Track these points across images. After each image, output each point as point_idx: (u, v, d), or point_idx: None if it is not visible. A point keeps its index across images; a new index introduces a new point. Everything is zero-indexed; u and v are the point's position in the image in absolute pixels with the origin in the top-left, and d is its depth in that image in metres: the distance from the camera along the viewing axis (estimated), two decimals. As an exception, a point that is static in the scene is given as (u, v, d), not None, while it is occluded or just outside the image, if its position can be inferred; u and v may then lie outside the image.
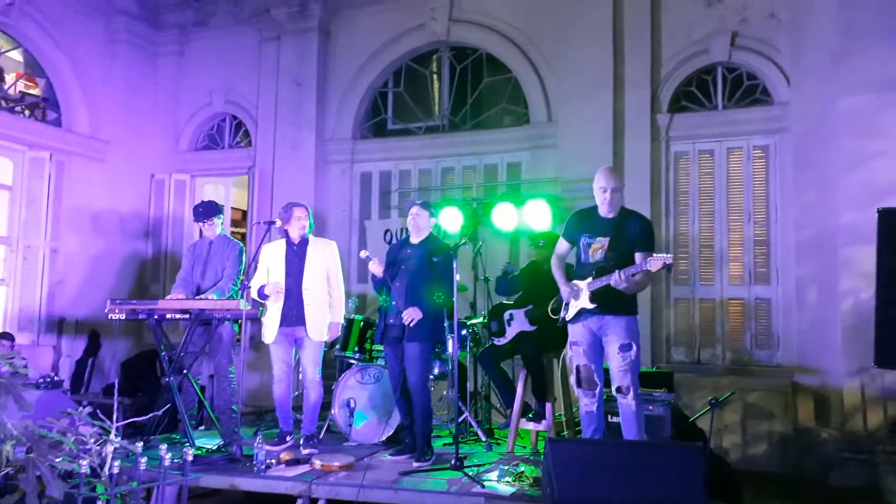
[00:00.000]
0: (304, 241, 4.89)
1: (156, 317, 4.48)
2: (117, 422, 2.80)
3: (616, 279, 3.71)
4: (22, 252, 7.29)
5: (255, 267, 4.93)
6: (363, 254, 4.74)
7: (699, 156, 7.02)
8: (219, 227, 5.11)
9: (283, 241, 4.90)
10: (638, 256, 3.79)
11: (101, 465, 2.73)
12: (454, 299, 4.44)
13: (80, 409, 2.80)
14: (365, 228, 8.01)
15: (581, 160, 6.95)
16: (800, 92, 6.52)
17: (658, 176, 6.98)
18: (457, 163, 7.85)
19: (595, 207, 4.10)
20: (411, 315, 4.40)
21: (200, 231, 5.45)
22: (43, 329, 7.38)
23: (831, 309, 6.11)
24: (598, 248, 3.95)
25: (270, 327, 4.78)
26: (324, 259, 4.92)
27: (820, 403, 6.19)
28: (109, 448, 2.71)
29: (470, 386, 5.55)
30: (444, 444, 4.84)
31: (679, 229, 7.03)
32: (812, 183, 6.37)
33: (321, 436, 5.06)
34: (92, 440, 2.74)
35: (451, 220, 6.64)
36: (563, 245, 4.21)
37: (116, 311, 4.43)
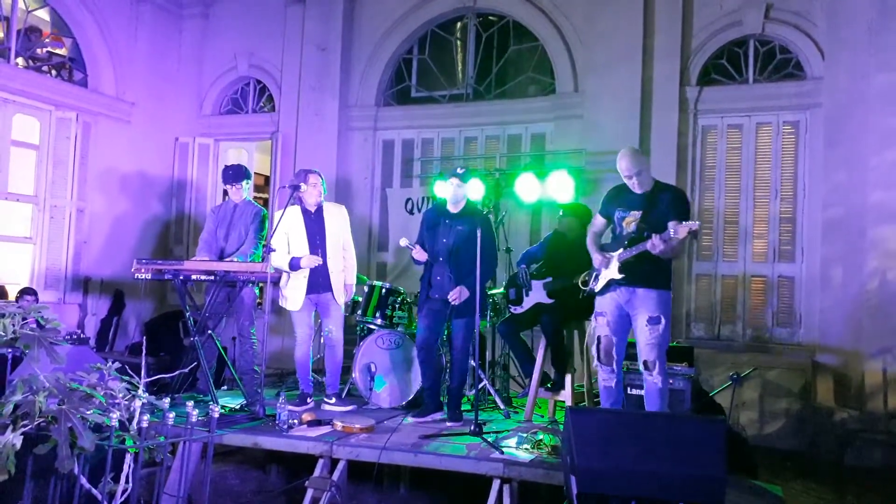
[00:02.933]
0: (319, 208, 4.91)
1: (181, 277, 4.52)
2: (144, 379, 2.84)
3: (652, 243, 3.69)
4: (49, 211, 7.38)
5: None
6: (403, 242, 4.71)
7: (727, 130, 6.91)
8: (245, 191, 5.14)
9: (297, 207, 4.88)
10: (671, 224, 3.75)
11: (130, 420, 2.79)
12: (477, 271, 4.43)
13: (109, 364, 2.85)
14: (386, 196, 8.02)
15: (607, 132, 6.89)
16: (834, 67, 6.37)
17: (685, 149, 6.89)
18: (480, 132, 7.79)
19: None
20: (458, 294, 4.47)
21: (225, 193, 5.48)
22: (69, 287, 7.49)
23: (856, 289, 6.05)
24: (631, 220, 3.94)
25: (296, 295, 4.81)
26: (338, 224, 4.97)
27: (839, 383, 6.17)
28: (137, 403, 2.77)
29: (489, 355, 5.58)
30: (463, 411, 4.89)
31: (704, 204, 6.95)
32: (842, 160, 6.26)
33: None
34: (120, 395, 2.79)
35: (473, 191, 6.61)
36: (598, 221, 4.21)
37: (143, 270, 4.47)
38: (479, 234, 4.33)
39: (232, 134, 8.66)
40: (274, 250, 4.46)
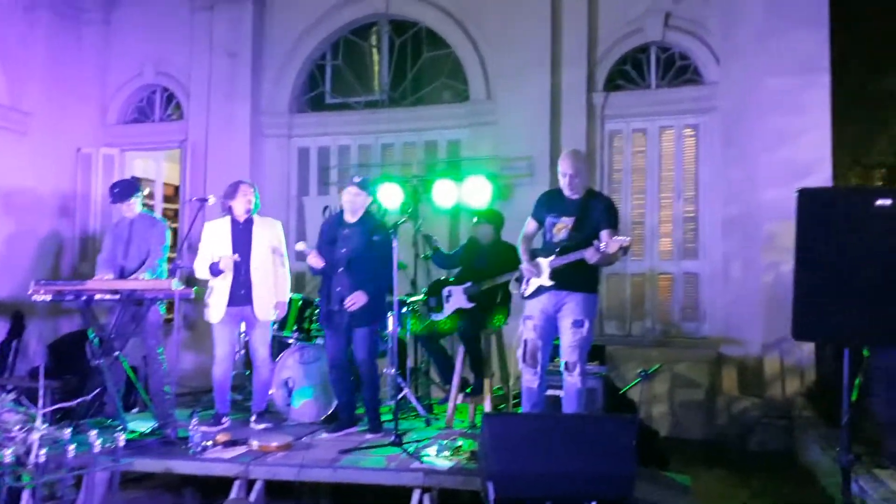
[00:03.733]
0: (248, 220, 4.85)
1: (84, 298, 4.32)
2: (44, 407, 2.70)
3: (591, 253, 3.75)
4: (-64, 230, 6.91)
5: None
6: (300, 246, 4.69)
7: (633, 134, 7.18)
8: (138, 205, 4.94)
9: (227, 218, 4.83)
10: (604, 234, 3.83)
11: (27, 453, 2.65)
12: (394, 277, 4.45)
13: (3, 395, 2.71)
14: (303, 205, 7.91)
15: (519, 138, 7.04)
16: (728, 72, 6.72)
17: (593, 154, 7.09)
18: (397, 139, 7.80)
19: (561, 189, 4.16)
20: (355, 300, 4.44)
21: None
22: (-39, 311, 7.04)
23: (754, 282, 6.39)
24: (562, 227, 4.00)
25: (217, 306, 4.73)
26: (269, 238, 4.89)
27: (742, 373, 6.49)
28: (35, 435, 2.63)
29: (410, 362, 5.60)
30: (384, 421, 4.89)
31: (613, 206, 7.17)
32: (738, 161, 6.61)
33: (260, 416, 5.04)
34: (16, 427, 2.65)
35: (390, 197, 6.63)
36: (531, 225, 4.25)
37: (41, 291, 4.25)
38: (385, 241, 4.36)
39: (139, 143, 8.35)
40: (182, 267, 4.34)
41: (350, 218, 4.67)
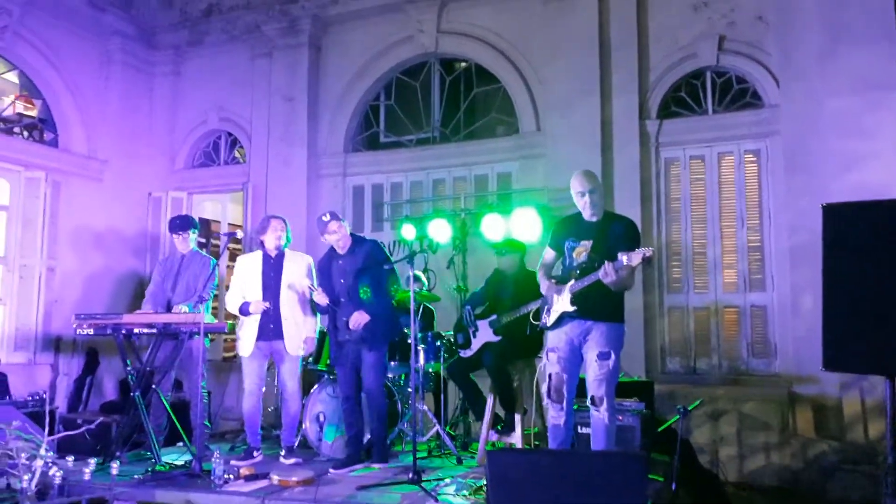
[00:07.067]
0: (280, 255, 4.93)
1: (123, 331, 4.47)
2: (47, 437, 2.77)
3: (605, 271, 3.61)
4: (18, 271, 7.39)
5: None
6: (305, 283, 4.75)
7: (690, 161, 6.89)
8: (192, 242, 5.13)
9: (260, 253, 4.92)
10: (620, 255, 3.67)
11: (31, 481, 2.71)
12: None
13: (12, 424, 2.79)
14: (358, 242, 7.99)
15: (569, 168, 6.73)
16: (789, 94, 6.37)
17: (648, 183, 6.85)
18: (447, 174, 7.81)
19: (579, 214, 4.08)
20: (357, 320, 4.43)
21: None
22: (39, 348, 7.44)
23: (827, 315, 5.92)
24: (581, 250, 3.87)
25: (247, 341, 4.80)
26: (298, 272, 4.93)
27: (819, 413, 5.99)
28: (38, 463, 2.69)
29: (451, 397, 5.46)
30: (421, 458, 4.75)
31: (671, 236, 6.89)
32: (804, 186, 6.19)
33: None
34: (22, 455, 2.72)
35: (440, 232, 6.61)
36: (549, 254, 4.15)
37: (85, 325, 4.43)
38: (379, 263, 4.33)
39: (205, 186, 8.72)
40: (206, 300, 4.43)
41: (340, 250, 4.72)
